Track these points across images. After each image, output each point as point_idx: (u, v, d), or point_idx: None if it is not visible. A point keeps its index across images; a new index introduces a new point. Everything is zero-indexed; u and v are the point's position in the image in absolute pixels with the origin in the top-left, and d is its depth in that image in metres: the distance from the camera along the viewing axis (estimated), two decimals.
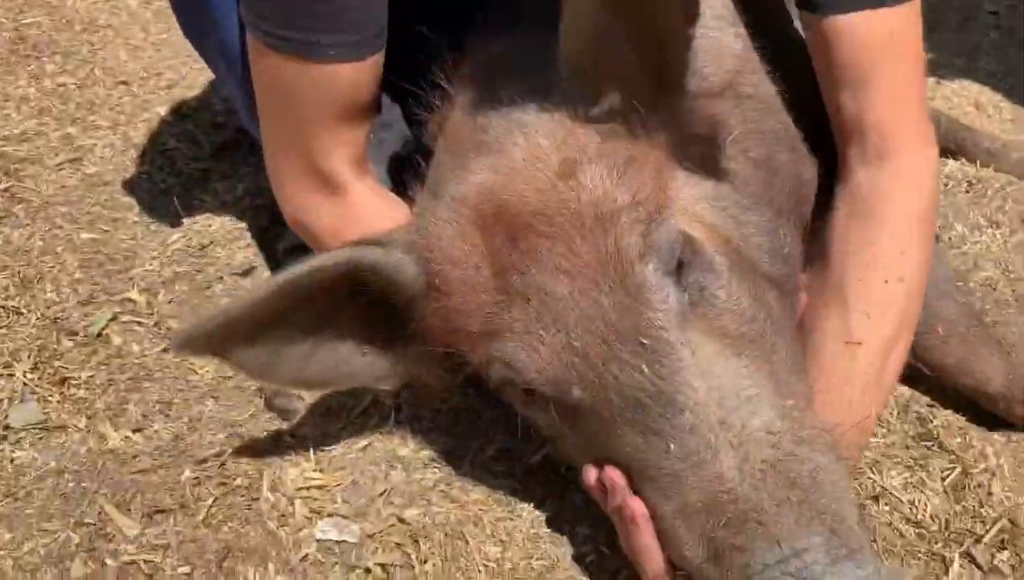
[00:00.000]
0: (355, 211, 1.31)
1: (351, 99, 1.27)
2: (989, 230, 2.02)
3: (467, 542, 1.17)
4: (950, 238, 1.96)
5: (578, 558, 1.19)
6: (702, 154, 1.17)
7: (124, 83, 2.36)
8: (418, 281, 1.10)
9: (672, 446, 0.96)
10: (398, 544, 1.18)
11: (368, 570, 1.14)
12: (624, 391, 0.98)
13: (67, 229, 1.77)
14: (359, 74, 1.25)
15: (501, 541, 1.19)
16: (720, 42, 1.36)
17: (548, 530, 1.22)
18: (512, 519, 1.22)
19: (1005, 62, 3.41)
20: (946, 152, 2.39)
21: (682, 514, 0.97)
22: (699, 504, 0.95)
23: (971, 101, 2.93)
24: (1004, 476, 1.34)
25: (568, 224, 1.02)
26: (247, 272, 1.65)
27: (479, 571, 1.14)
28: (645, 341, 0.98)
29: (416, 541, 1.18)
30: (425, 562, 1.15)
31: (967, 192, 2.23)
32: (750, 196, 1.22)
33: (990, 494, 1.32)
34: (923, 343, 1.42)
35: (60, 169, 1.99)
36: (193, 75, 2.38)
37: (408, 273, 1.11)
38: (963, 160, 2.37)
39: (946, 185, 2.25)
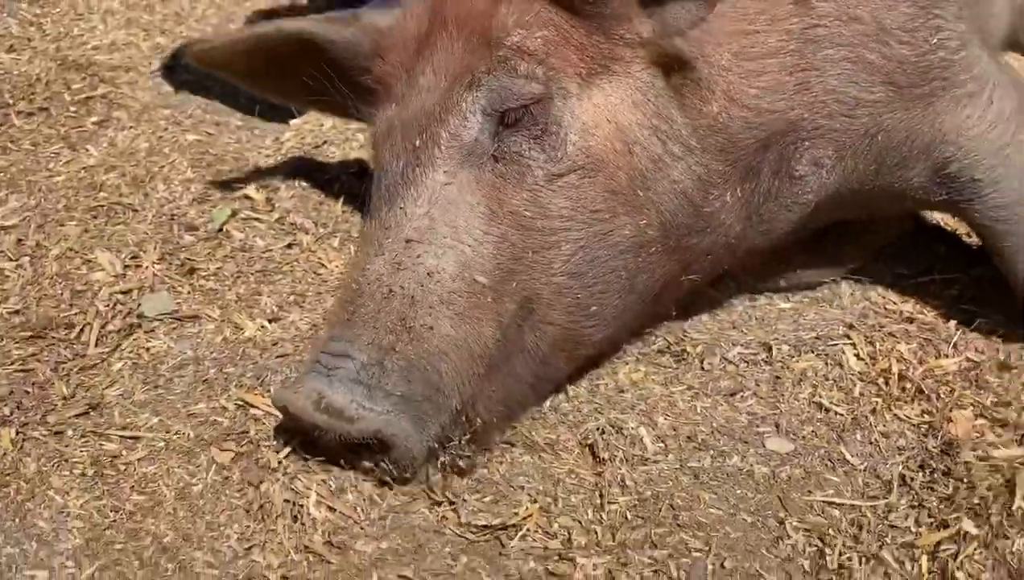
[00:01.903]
0: None
1: None
2: None
3: None
4: None
5: None
6: (682, 81, 1.18)
7: None
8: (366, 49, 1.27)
9: (377, 224, 1.09)
10: None
11: None
12: (387, 169, 1.12)
13: (172, 131, 1.72)
14: None
15: None
16: None
17: None
18: None
19: None
20: None
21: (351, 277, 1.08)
22: (354, 279, 1.06)
23: None
24: None
25: (459, 23, 1.13)
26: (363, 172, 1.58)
27: None
28: (417, 144, 1.10)
29: None
30: None
31: None
32: (711, 142, 1.20)
33: None
34: None
35: (155, 76, 1.93)
36: None
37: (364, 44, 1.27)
38: None
39: None
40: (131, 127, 1.74)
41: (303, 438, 1.02)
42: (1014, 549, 0.96)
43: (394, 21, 1.24)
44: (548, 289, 1.08)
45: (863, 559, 0.97)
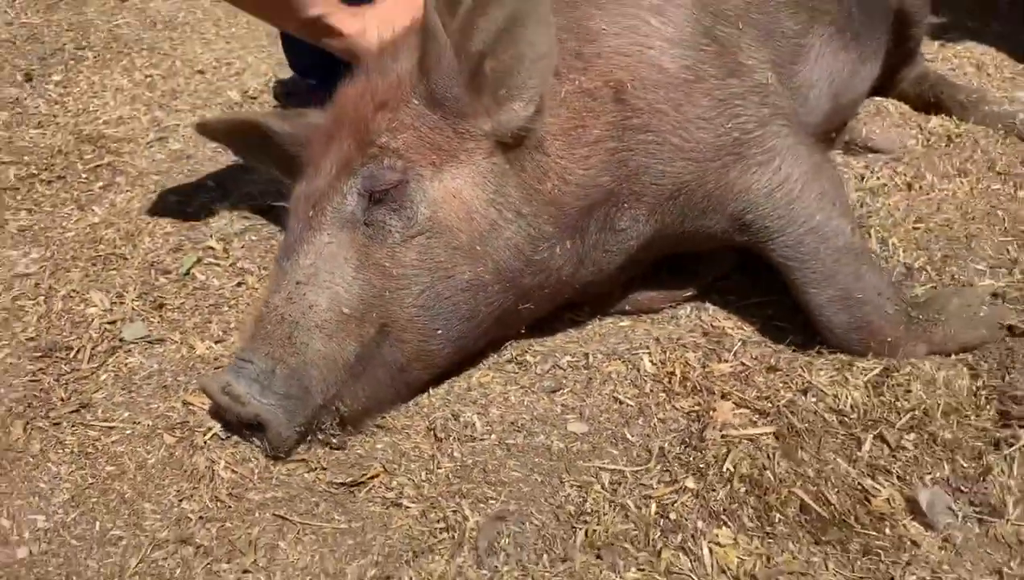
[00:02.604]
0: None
1: None
2: (957, 179, 2.25)
3: None
4: (920, 186, 2.19)
5: None
6: (520, 165, 1.51)
7: (200, 72, 2.75)
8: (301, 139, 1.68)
9: (279, 269, 1.48)
10: None
11: None
12: (291, 229, 1.53)
13: (160, 193, 2.16)
14: None
15: None
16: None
17: None
18: None
19: (1016, 23, 3.55)
20: (928, 105, 2.60)
21: (258, 306, 1.50)
22: (260, 308, 1.47)
23: (973, 62, 3.10)
24: (924, 375, 1.60)
25: (349, 126, 1.51)
26: None
27: None
28: (312, 212, 1.48)
29: None
30: None
31: (946, 145, 2.44)
32: (544, 210, 1.53)
33: (908, 391, 1.58)
34: (858, 349, 1.63)
35: (151, 146, 2.38)
36: (257, 63, 2.76)
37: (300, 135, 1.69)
38: (943, 116, 2.57)
39: (928, 140, 2.47)
40: (128, 190, 2.19)
41: (222, 425, 1.44)
42: (719, 498, 1.35)
43: (318, 123, 1.64)
44: (402, 317, 1.46)
45: (613, 505, 1.35)
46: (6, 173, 2.22)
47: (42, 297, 1.81)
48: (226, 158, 2.33)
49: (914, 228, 2.02)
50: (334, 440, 1.42)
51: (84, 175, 2.24)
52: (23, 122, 2.47)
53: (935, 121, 2.54)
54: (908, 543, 1.36)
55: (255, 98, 2.58)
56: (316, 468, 1.40)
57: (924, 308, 1.67)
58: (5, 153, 2.32)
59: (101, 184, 2.20)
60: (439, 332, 1.49)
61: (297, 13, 1.80)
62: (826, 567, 1.31)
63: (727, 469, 1.38)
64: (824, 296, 1.62)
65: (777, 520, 1.35)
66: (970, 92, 2.61)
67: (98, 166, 2.28)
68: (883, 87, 2.60)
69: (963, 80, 2.85)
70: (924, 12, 2.49)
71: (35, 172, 2.24)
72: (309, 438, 1.42)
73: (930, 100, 2.59)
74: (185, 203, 2.12)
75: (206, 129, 1.89)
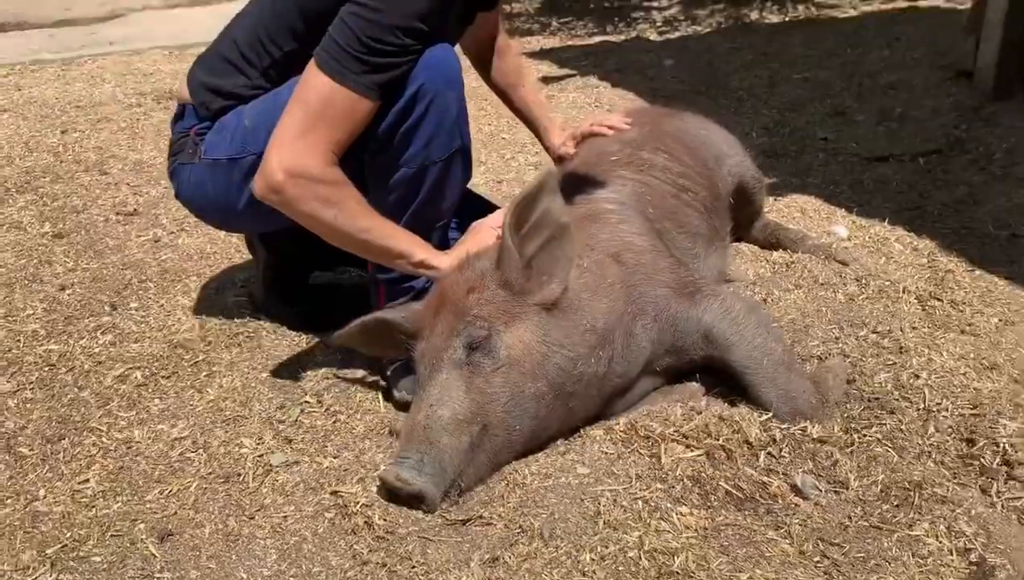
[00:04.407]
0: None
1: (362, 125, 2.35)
2: (795, 291, 3.33)
3: None
4: (767, 298, 3.26)
5: None
6: (561, 314, 2.33)
7: (243, 285, 3.65)
8: (411, 322, 2.44)
9: (417, 398, 2.30)
10: None
11: None
12: (421, 373, 2.34)
13: (258, 369, 3.01)
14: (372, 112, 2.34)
15: None
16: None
17: None
18: None
19: (829, 176, 4.86)
20: (771, 244, 3.75)
21: (407, 422, 2.31)
22: (408, 422, 2.29)
23: (799, 209, 4.31)
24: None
25: (451, 305, 2.31)
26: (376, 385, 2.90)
27: None
28: (434, 360, 2.28)
29: None
30: None
31: (785, 270, 3.55)
32: (580, 337, 2.33)
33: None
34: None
35: (229, 347, 3.24)
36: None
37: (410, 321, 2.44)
38: (782, 250, 3.72)
39: (773, 267, 3.58)
40: (227, 374, 3.01)
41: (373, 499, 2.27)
42: (676, 491, 2.26)
43: (423, 307, 2.42)
44: (495, 420, 2.21)
45: (615, 505, 2.24)
46: (132, 375, 3.03)
47: (201, 450, 2.61)
48: (288, 343, 3.21)
49: None
50: (458, 500, 2.26)
51: (189, 369, 3.04)
52: (124, 339, 3.29)
53: (776, 254, 3.67)
54: (793, 506, 2.28)
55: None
56: (444, 511, 2.24)
57: (817, 386, 2.62)
58: (120, 363, 3.12)
59: (205, 373, 3.03)
60: (517, 427, 2.34)
61: (408, 260, 2.50)
62: (746, 522, 2.21)
63: (678, 475, 2.30)
64: (772, 394, 2.47)
65: (713, 501, 2.27)
66: (798, 232, 3.79)
67: (196, 362, 3.09)
68: (739, 237, 3.76)
69: (792, 223, 4.04)
70: (758, 186, 3.66)
71: (154, 371, 3.05)
72: (445, 502, 2.25)
73: (772, 241, 3.76)
74: (274, 373, 2.97)
75: (342, 339, 2.58)
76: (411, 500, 2.23)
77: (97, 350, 3.20)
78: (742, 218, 3.61)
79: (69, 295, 3.65)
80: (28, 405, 2.89)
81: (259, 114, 2.56)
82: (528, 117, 3.39)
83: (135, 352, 3.18)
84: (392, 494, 2.26)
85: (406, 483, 2.17)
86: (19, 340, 3.29)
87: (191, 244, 4.12)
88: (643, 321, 2.52)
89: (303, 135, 2.26)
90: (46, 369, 3.08)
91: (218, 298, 3.56)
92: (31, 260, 4.02)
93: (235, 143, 2.61)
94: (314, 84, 2.26)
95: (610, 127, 3.27)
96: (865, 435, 2.46)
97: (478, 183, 4.43)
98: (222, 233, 4.05)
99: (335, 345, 2.72)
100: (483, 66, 3.31)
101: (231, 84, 2.68)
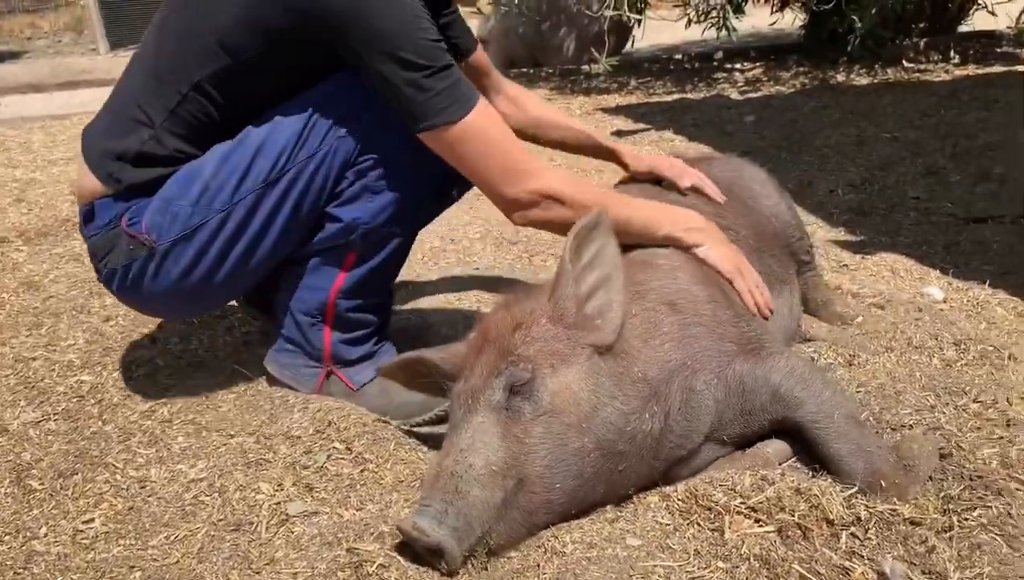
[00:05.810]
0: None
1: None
2: (884, 354, 2.98)
3: None
4: (852, 361, 2.91)
5: None
6: (613, 360, 2.20)
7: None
8: (450, 362, 2.27)
9: (448, 442, 2.08)
10: None
11: None
12: (454, 414, 2.12)
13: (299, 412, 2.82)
14: None
15: None
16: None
17: None
18: None
19: (921, 235, 4.50)
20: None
21: (433, 467, 2.08)
22: (435, 467, 2.06)
23: (889, 268, 3.96)
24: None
25: (494, 343, 2.13)
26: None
27: None
28: (470, 402, 2.07)
29: None
30: None
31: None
32: (632, 388, 2.14)
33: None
34: (871, 491, 2.17)
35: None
36: None
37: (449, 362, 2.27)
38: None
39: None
40: (257, 416, 2.84)
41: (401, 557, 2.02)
42: (741, 571, 1.93)
43: (464, 346, 2.25)
44: (532, 474, 2.03)
45: None
46: (160, 411, 2.87)
47: (216, 493, 2.40)
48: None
49: (856, 392, 2.72)
50: (486, 565, 2.00)
51: (221, 408, 2.89)
52: (159, 373, 3.15)
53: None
54: None
55: None
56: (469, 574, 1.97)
57: (900, 456, 2.30)
58: (150, 398, 2.97)
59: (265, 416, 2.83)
60: (557, 486, 2.08)
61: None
62: None
63: (743, 553, 1.97)
64: (845, 448, 2.24)
65: None
66: (826, 295, 3.38)
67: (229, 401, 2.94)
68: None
69: (883, 283, 3.69)
70: (796, 234, 3.28)
71: (182, 408, 2.88)
72: (469, 562, 1.98)
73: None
74: (306, 413, 2.76)
75: (388, 371, 2.49)
76: (429, 555, 1.98)
77: (129, 383, 3.06)
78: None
79: (112, 326, 3.56)
80: (49, 437, 2.75)
81: (220, 173, 2.47)
82: (585, 145, 3.16)
83: (167, 387, 3.02)
84: (417, 554, 2.00)
85: (423, 533, 1.93)
86: (53, 369, 3.18)
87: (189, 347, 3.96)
88: (705, 377, 2.28)
89: (505, 169, 2.40)
90: (75, 400, 2.96)
91: (261, 338, 3.40)
92: (83, 291, 3.96)
93: (198, 213, 2.47)
94: (450, 139, 2.34)
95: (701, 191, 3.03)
96: (967, 519, 2.10)
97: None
98: None
99: (383, 374, 2.56)
100: None
101: (137, 142, 2.45)
